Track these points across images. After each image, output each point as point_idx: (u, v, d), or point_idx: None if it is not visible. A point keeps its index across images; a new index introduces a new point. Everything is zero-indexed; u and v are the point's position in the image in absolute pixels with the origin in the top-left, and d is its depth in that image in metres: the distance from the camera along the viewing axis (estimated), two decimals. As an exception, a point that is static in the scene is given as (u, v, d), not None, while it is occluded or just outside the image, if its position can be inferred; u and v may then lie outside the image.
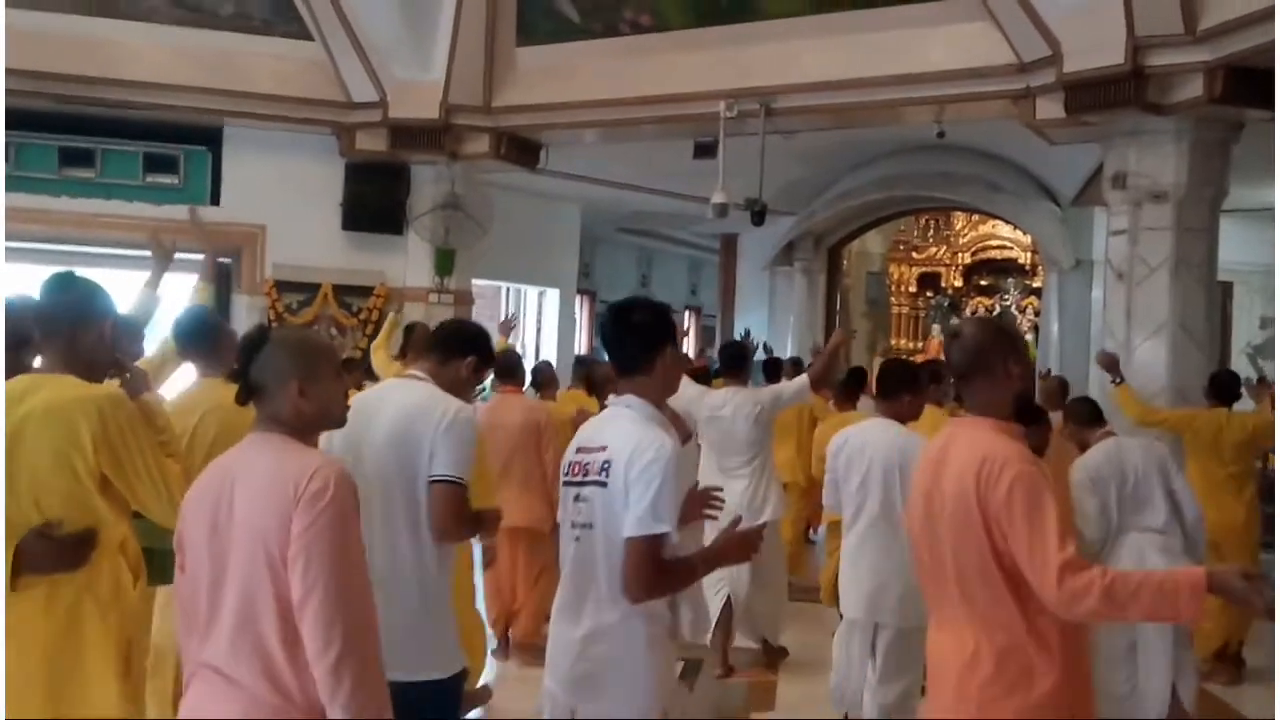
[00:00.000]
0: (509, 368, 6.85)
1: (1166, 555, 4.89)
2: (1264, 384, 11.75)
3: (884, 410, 5.00)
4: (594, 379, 7.36)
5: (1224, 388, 6.86)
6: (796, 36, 8.33)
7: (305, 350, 2.48)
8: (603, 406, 4.67)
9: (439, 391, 3.42)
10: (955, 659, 2.72)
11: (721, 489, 3.49)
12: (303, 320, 9.83)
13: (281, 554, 2.24)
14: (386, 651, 2.38)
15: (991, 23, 7.38)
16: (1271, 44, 6.17)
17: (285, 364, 2.41)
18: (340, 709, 2.20)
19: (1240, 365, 13.27)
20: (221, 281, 10.11)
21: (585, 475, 2.97)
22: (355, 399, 3.25)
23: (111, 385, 3.26)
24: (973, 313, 16.42)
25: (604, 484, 2.90)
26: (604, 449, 2.95)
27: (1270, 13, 6.02)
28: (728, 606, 6.23)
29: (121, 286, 4.03)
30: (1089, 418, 5.36)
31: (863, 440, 4.88)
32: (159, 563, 3.31)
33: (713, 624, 6.09)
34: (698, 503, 3.30)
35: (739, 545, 3.06)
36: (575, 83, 9.20)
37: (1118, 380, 6.64)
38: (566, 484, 3.06)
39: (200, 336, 4.13)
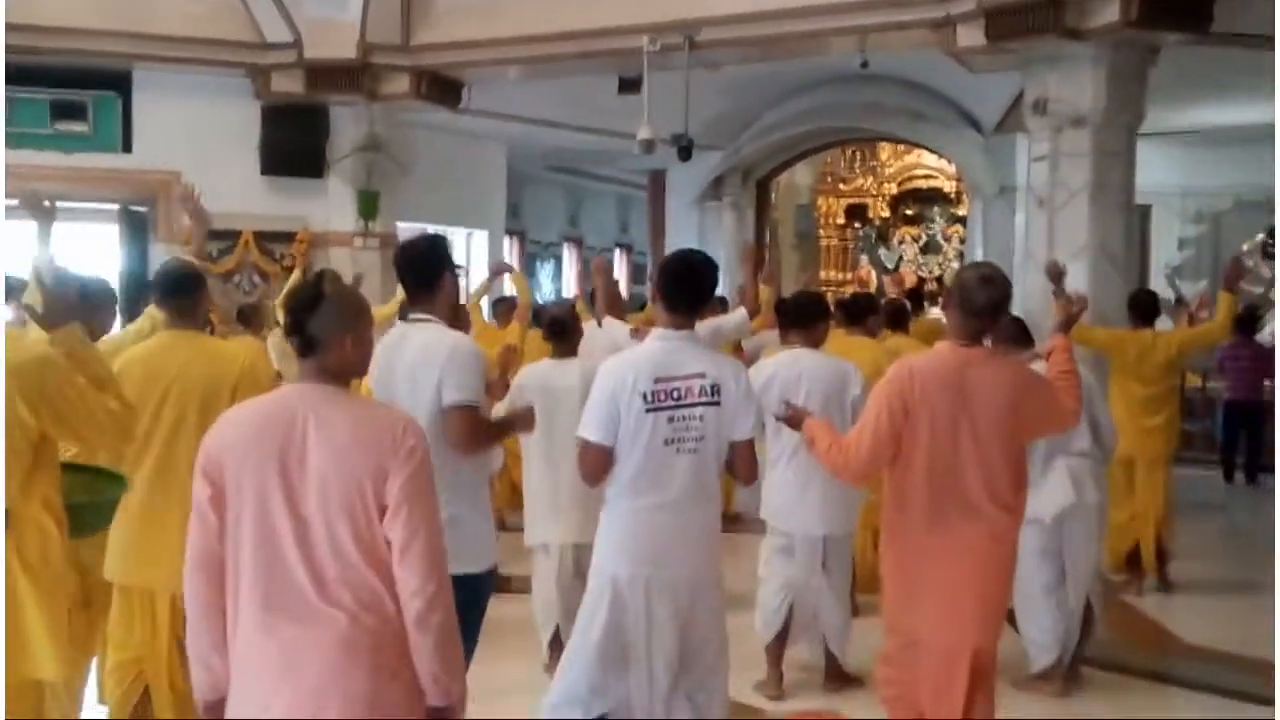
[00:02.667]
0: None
1: (1095, 479, 5.17)
2: (1182, 304, 12.09)
3: (801, 340, 5.06)
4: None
5: (1145, 308, 6.93)
6: (718, -32, 8.27)
7: (357, 306, 2.66)
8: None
9: (444, 329, 3.76)
10: (982, 539, 3.52)
11: None
12: (224, 269, 9.64)
13: (378, 501, 2.45)
14: None
15: (911, -50, 7.38)
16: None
17: (342, 319, 2.57)
18: (433, 633, 2.45)
19: (1159, 286, 13.57)
20: (138, 230, 9.90)
21: (682, 399, 3.48)
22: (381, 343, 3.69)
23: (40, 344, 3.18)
24: (900, 242, 16.56)
25: (718, 403, 3.51)
26: (702, 375, 3.52)
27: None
28: None
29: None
30: (1018, 338, 5.30)
31: (796, 369, 4.91)
32: (79, 517, 3.29)
33: None
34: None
35: None
36: (495, 19, 9.05)
37: (1059, 292, 6.59)
38: (653, 410, 3.47)
39: (184, 291, 4.04)
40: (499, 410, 4.38)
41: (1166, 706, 5.18)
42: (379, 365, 3.76)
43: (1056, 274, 6.53)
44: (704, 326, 6.26)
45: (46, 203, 4.06)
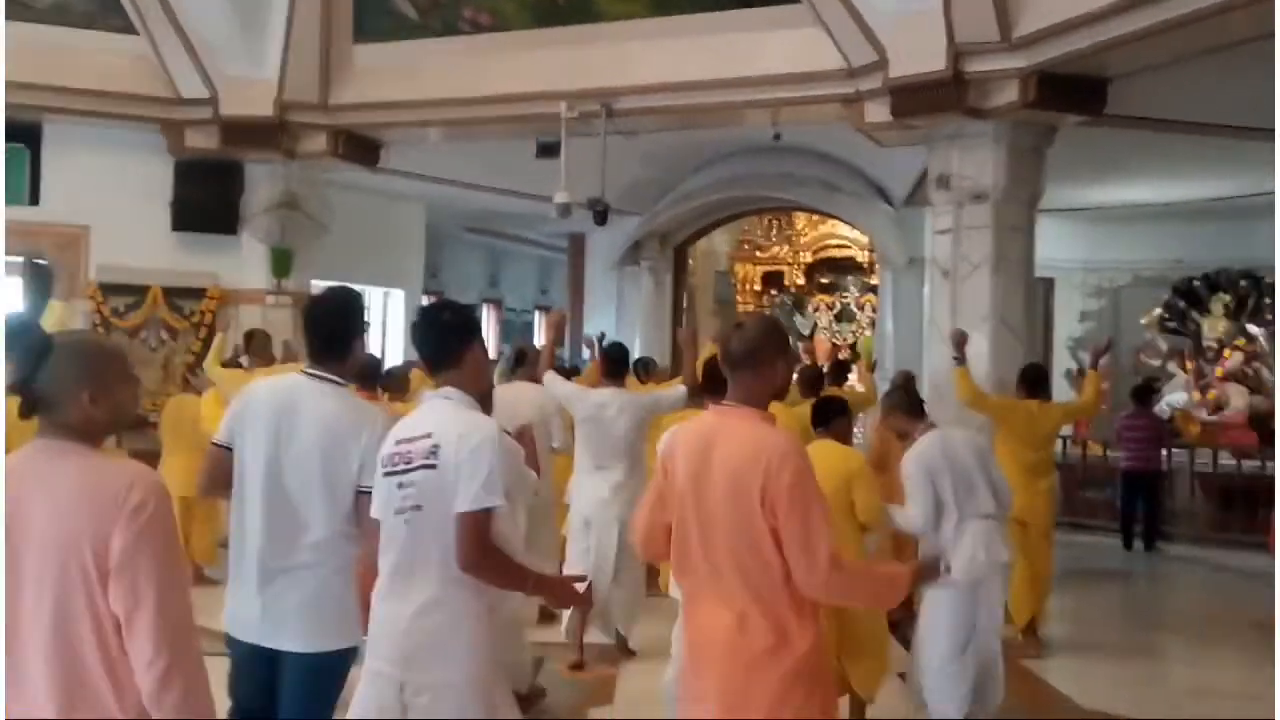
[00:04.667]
0: (365, 371, 6.39)
1: (1001, 539, 5.22)
2: (1082, 374, 12.45)
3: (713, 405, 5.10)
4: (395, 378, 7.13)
5: (1034, 381, 7.15)
6: (635, 38, 8.45)
7: (95, 356, 2.35)
8: None
9: (358, 400, 3.55)
10: (724, 629, 2.89)
11: None
12: (131, 324, 9.49)
13: (100, 567, 2.15)
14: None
15: (822, 29, 7.60)
16: (1081, 52, 6.53)
17: (74, 372, 2.27)
18: (169, 713, 2.18)
19: (1062, 357, 13.98)
20: (42, 284, 9.70)
21: (409, 463, 3.05)
22: (257, 387, 3.48)
23: None
24: (814, 310, 16.83)
25: (433, 466, 3.01)
26: (428, 435, 3.06)
27: (1079, 23, 6.36)
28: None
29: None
30: (911, 410, 5.52)
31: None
32: None
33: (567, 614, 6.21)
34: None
35: (565, 593, 3.42)
36: (415, 81, 9.11)
37: (959, 359, 6.82)
38: (388, 474, 3.10)
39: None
40: None
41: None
42: (244, 409, 3.41)
43: (959, 341, 6.80)
44: (649, 397, 6.49)
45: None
